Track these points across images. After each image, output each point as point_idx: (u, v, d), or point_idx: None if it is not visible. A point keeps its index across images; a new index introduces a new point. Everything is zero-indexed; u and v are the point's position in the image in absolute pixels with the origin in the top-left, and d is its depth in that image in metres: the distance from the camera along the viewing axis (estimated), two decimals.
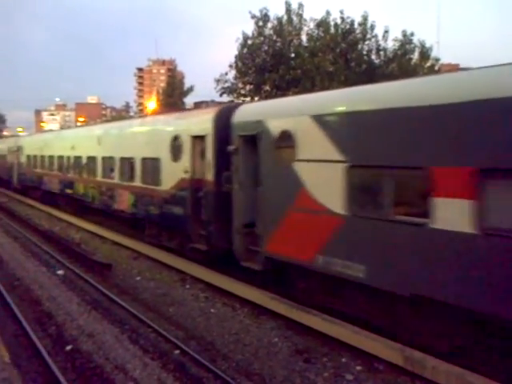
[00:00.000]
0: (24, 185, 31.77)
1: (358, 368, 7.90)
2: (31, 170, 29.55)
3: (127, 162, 16.78)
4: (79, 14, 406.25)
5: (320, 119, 8.92)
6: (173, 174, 13.84)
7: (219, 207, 12.12)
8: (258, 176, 10.64)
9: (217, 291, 11.81)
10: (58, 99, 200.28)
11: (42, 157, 27.40)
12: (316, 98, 10.23)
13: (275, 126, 10.06)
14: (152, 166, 15.02)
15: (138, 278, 13.22)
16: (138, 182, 15.95)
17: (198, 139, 12.88)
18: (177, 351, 8.39)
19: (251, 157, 10.89)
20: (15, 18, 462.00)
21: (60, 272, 13.65)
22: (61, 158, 24.08)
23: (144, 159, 15.61)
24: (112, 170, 18.08)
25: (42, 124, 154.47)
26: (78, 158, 21.67)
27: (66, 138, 24.57)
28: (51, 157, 25.75)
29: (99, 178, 19.20)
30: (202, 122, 12.91)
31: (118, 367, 7.79)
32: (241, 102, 25.73)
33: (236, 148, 11.35)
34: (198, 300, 11.37)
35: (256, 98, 29.51)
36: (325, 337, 8.87)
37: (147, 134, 16.04)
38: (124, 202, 17.01)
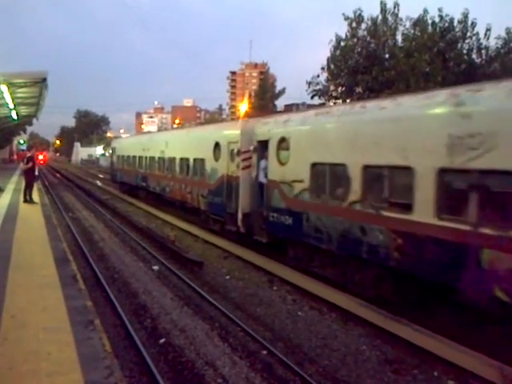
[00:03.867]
0: (288, 236, 13.30)
1: (451, 383, 7.53)
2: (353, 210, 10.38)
3: None
4: (178, 19, 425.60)
5: None
6: None
7: None
8: None
9: (304, 294, 11.80)
10: (156, 102, 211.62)
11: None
12: None
13: None
14: None
15: (228, 277, 13.55)
16: None
17: None
18: (264, 352, 8.49)
19: None
20: (121, 25, 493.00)
21: (155, 267, 14.30)
22: None
23: None
24: None
25: (141, 126, 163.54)
26: None
27: None
28: None
29: None
30: None
31: (208, 363, 8.00)
32: None
33: None
34: (286, 302, 11.44)
35: (348, 101, 29.11)
36: (415, 348, 8.55)
37: None
38: None
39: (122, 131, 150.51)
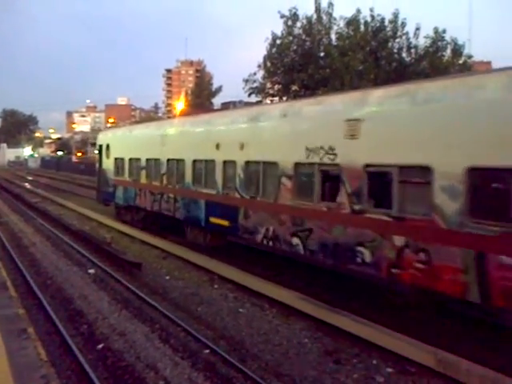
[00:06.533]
0: None
1: (389, 370, 7.78)
2: None
3: None
4: (110, 17, 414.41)
5: None
6: None
7: None
8: None
9: (245, 291, 11.82)
10: (88, 101, 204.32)
11: None
12: None
13: None
14: None
15: (167, 278, 13.33)
16: None
17: None
18: (207, 351, 8.40)
19: None
20: (51, 20, 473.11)
21: (91, 271, 13.85)
22: None
23: None
24: None
25: (73, 125, 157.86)
26: None
27: None
28: None
29: None
30: None
31: (149, 366, 7.84)
32: None
33: None
34: (227, 300, 11.39)
35: (284, 99, 29.46)
36: (355, 338, 8.77)
37: None
38: None
39: (51, 131, 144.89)
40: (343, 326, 9.10)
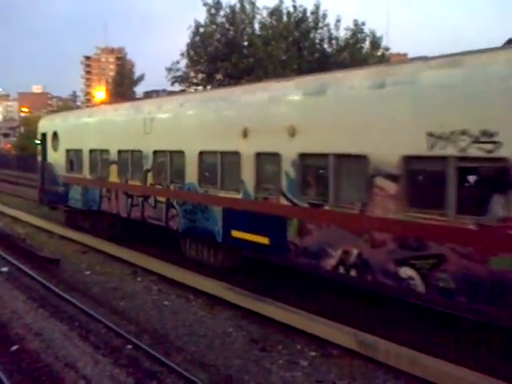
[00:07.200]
0: None
1: (313, 354, 7.95)
2: None
3: None
4: (22, 1, 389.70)
5: None
6: None
7: None
8: None
9: (170, 283, 11.65)
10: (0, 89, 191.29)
11: None
12: None
13: None
14: None
15: (88, 273, 12.85)
16: None
17: None
18: (129, 346, 8.15)
19: None
20: None
21: (4, 269, 13.05)
22: None
23: None
24: None
25: None
26: None
27: None
28: None
29: None
30: None
31: (68, 365, 7.48)
32: None
33: None
34: (151, 293, 11.16)
35: (208, 87, 29.22)
36: (280, 325, 8.89)
37: None
38: None
39: None
40: (269, 314, 9.19)
